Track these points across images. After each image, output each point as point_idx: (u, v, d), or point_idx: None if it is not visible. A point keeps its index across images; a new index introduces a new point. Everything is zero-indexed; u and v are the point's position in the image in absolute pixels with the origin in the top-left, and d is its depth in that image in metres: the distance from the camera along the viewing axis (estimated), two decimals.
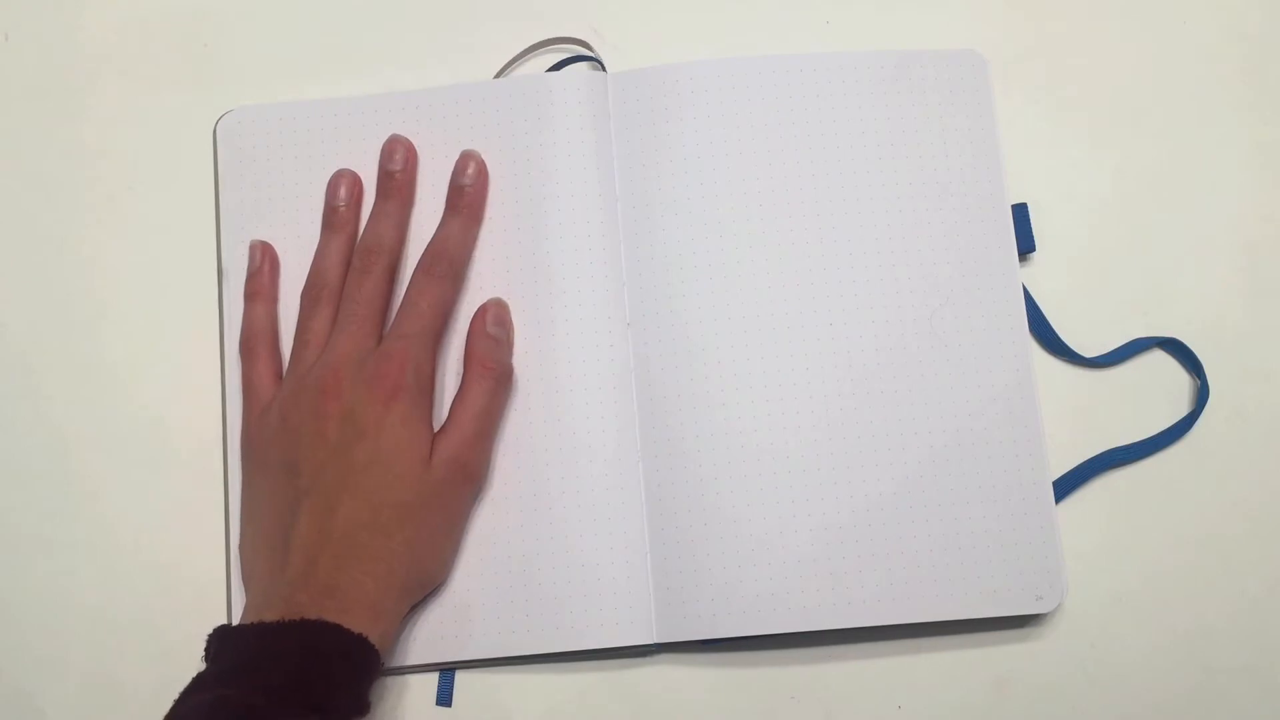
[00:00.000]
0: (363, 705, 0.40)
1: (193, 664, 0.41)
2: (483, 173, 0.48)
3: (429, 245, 0.47)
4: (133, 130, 0.52)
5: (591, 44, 0.52)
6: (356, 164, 0.49)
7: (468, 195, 0.48)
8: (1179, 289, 0.51)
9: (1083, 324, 0.50)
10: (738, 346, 0.47)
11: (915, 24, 0.53)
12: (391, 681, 0.46)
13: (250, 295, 0.48)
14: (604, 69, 0.51)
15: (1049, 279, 0.50)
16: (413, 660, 0.45)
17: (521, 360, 0.47)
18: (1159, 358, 0.50)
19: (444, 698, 0.46)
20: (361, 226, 0.48)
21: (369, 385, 0.43)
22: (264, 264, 0.48)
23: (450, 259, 0.47)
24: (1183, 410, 0.49)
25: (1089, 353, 0.49)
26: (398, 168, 0.48)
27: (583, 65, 0.52)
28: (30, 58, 0.53)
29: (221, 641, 0.41)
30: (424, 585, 0.44)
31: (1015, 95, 0.52)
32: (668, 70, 0.50)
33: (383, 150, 0.49)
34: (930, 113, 0.50)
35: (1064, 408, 0.49)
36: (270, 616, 0.39)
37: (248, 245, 0.48)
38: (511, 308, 0.47)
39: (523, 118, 0.49)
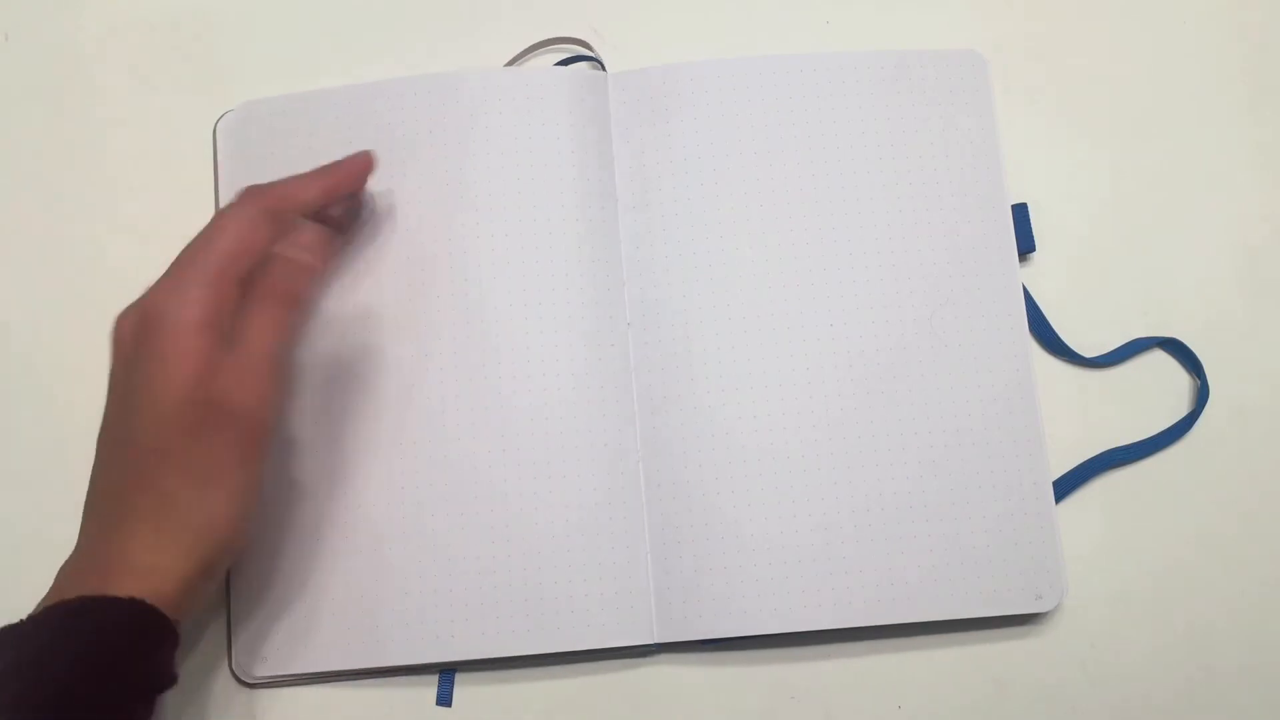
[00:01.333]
0: (161, 673, 0.36)
1: (193, 664, 0.41)
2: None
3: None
4: (133, 130, 0.52)
5: (591, 44, 0.52)
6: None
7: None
8: (1179, 289, 0.51)
9: (1083, 324, 0.50)
10: (738, 346, 0.47)
11: (915, 24, 0.53)
12: (391, 681, 0.46)
13: None
14: (604, 69, 0.51)
15: (1049, 279, 0.50)
16: (413, 660, 0.45)
17: (521, 360, 0.47)
18: (1159, 358, 0.50)
19: (444, 698, 0.46)
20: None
21: (134, 322, 0.39)
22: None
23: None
24: (1183, 410, 0.49)
25: (1089, 353, 0.49)
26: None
27: (583, 65, 0.52)
28: (30, 58, 0.53)
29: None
30: (210, 544, 0.38)
31: (1015, 95, 0.52)
32: (668, 70, 0.50)
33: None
34: (930, 113, 0.50)
35: (1064, 408, 0.49)
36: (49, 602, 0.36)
37: None
38: (511, 307, 0.47)
39: (523, 111, 0.49)
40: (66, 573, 0.37)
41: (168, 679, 0.37)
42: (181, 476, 0.37)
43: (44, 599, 0.37)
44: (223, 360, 0.37)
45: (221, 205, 0.49)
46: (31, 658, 0.34)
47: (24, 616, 0.36)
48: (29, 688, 0.33)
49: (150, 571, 0.36)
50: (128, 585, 0.35)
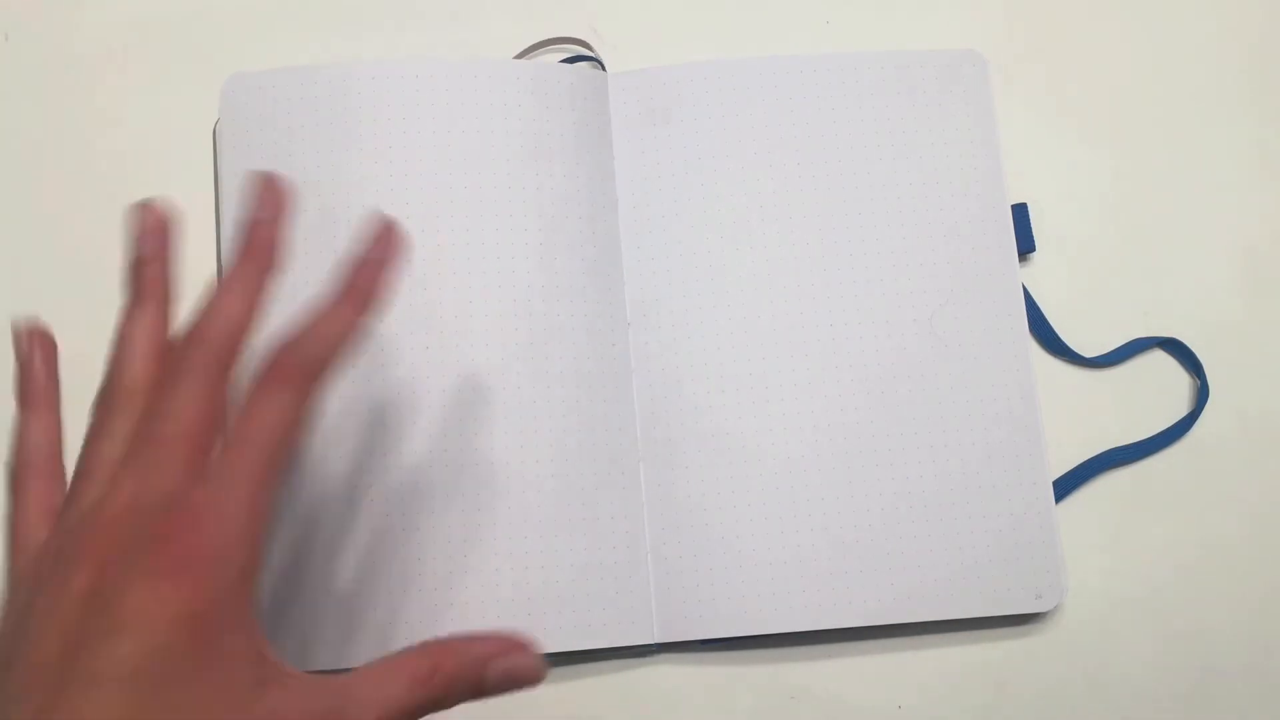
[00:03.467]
0: None
1: None
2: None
3: (283, 340, 0.31)
4: (133, 130, 0.52)
5: (591, 44, 0.52)
6: (352, 133, 0.48)
7: (361, 277, 0.33)
8: (1179, 289, 0.51)
9: (1083, 324, 0.50)
10: (738, 347, 0.47)
11: (915, 24, 0.53)
12: None
13: (22, 401, 0.33)
14: (604, 69, 0.51)
15: (1049, 279, 0.50)
16: None
17: (521, 360, 0.47)
18: (1159, 358, 0.50)
19: None
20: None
21: (146, 553, 0.27)
22: (33, 353, 0.32)
23: (306, 355, 0.30)
24: (1183, 410, 0.49)
25: (1089, 353, 0.49)
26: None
27: (583, 65, 0.52)
28: (30, 58, 0.53)
29: None
30: None
31: (1015, 95, 0.52)
32: (668, 70, 0.50)
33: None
34: (930, 113, 0.50)
35: (1064, 408, 0.49)
36: None
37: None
38: (511, 309, 0.47)
39: (526, 105, 0.49)
40: None
41: None
42: None
43: None
44: None
45: (222, 206, 0.49)
46: None
47: None
48: None
49: None
50: None
